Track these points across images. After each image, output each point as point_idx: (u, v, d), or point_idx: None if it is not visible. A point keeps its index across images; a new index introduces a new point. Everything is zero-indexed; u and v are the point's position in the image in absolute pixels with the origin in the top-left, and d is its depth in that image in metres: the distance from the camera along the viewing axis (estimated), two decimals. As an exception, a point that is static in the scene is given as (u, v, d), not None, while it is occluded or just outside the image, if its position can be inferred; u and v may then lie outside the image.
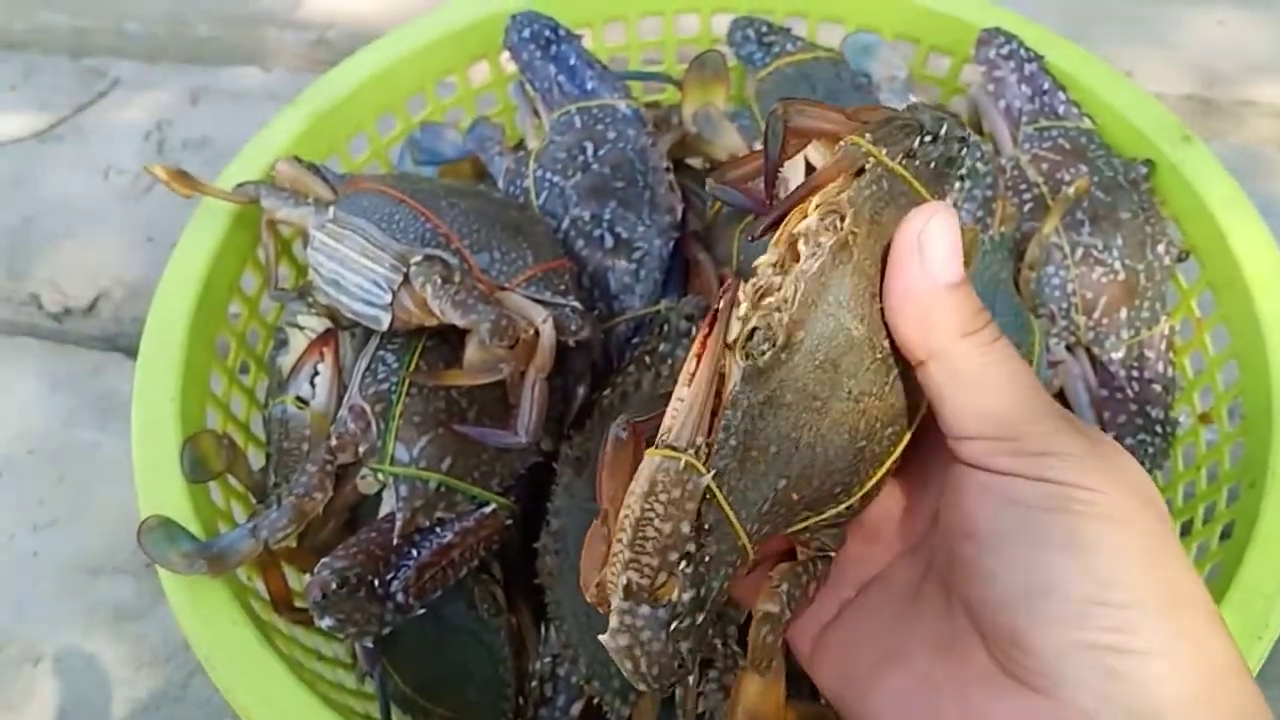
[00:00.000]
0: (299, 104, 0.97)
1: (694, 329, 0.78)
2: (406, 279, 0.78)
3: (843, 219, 0.47)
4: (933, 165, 0.50)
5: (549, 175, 0.90)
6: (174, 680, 1.04)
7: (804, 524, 0.53)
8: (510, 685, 0.78)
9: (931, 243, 0.45)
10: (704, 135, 0.91)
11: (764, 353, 0.47)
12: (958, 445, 0.46)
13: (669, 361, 0.78)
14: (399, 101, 1.03)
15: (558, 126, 0.94)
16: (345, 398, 0.81)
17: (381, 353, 0.81)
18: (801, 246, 0.48)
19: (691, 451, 0.47)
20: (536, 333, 0.77)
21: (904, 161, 0.49)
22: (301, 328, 0.86)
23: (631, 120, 0.92)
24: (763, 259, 0.49)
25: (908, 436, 0.52)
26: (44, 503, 1.17)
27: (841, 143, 0.49)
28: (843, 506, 0.52)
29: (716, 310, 0.49)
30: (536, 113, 0.99)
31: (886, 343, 0.49)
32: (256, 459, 0.87)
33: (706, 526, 0.48)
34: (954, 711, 0.46)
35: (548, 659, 0.77)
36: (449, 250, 0.79)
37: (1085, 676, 0.41)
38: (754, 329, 0.47)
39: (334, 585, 0.68)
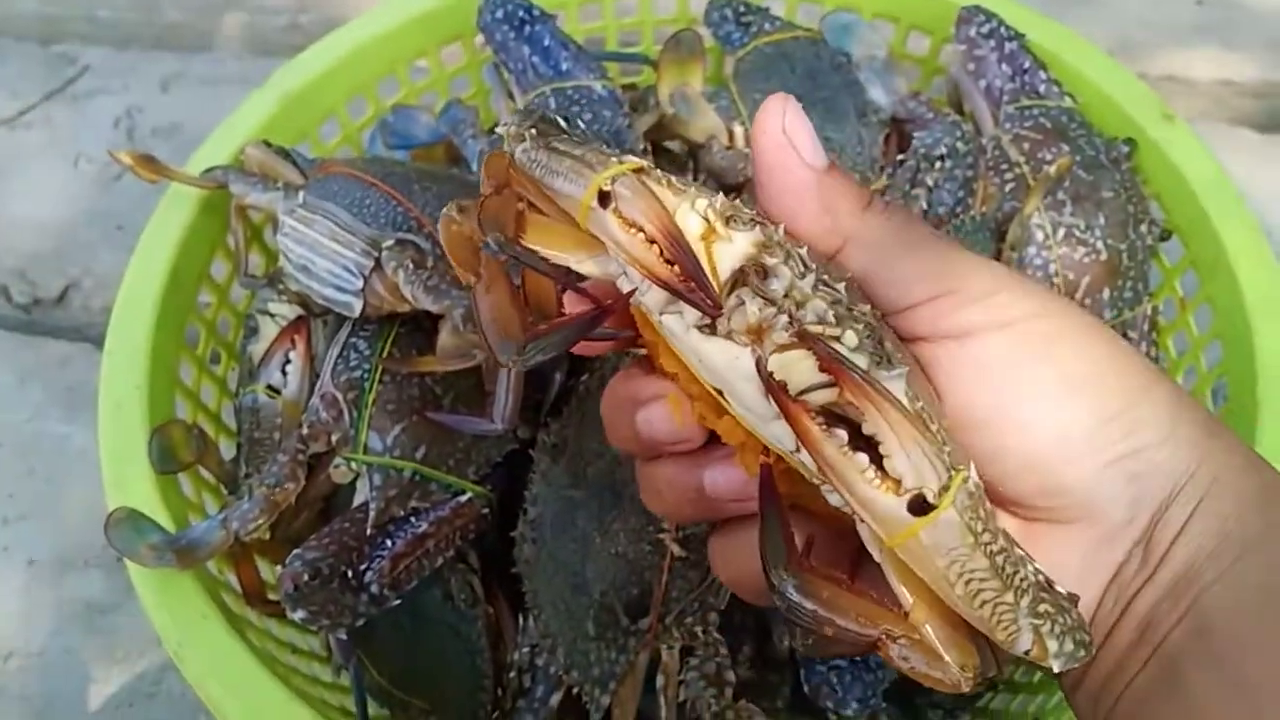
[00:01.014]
0: (269, 87, 0.95)
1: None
2: (378, 264, 0.76)
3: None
4: None
5: (525, 159, 0.88)
6: (147, 676, 1.02)
7: None
8: (488, 676, 0.77)
9: (798, 134, 0.44)
10: (681, 116, 0.89)
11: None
12: (906, 321, 0.43)
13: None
14: (370, 84, 1.01)
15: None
16: (317, 386, 0.79)
17: (354, 340, 0.80)
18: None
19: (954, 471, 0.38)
20: (512, 318, 0.75)
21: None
22: (272, 315, 0.85)
23: (607, 101, 0.91)
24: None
25: None
26: (13, 496, 1.15)
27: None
28: None
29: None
30: (511, 95, 0.98)
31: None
32: (228, 449, 0.85)
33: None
34: None
35: (526, 649, 0.75)
36: (421, 235, 0.78)
37: (1114, 493, 0.41)
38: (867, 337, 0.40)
39: (306, 577, 0.67)
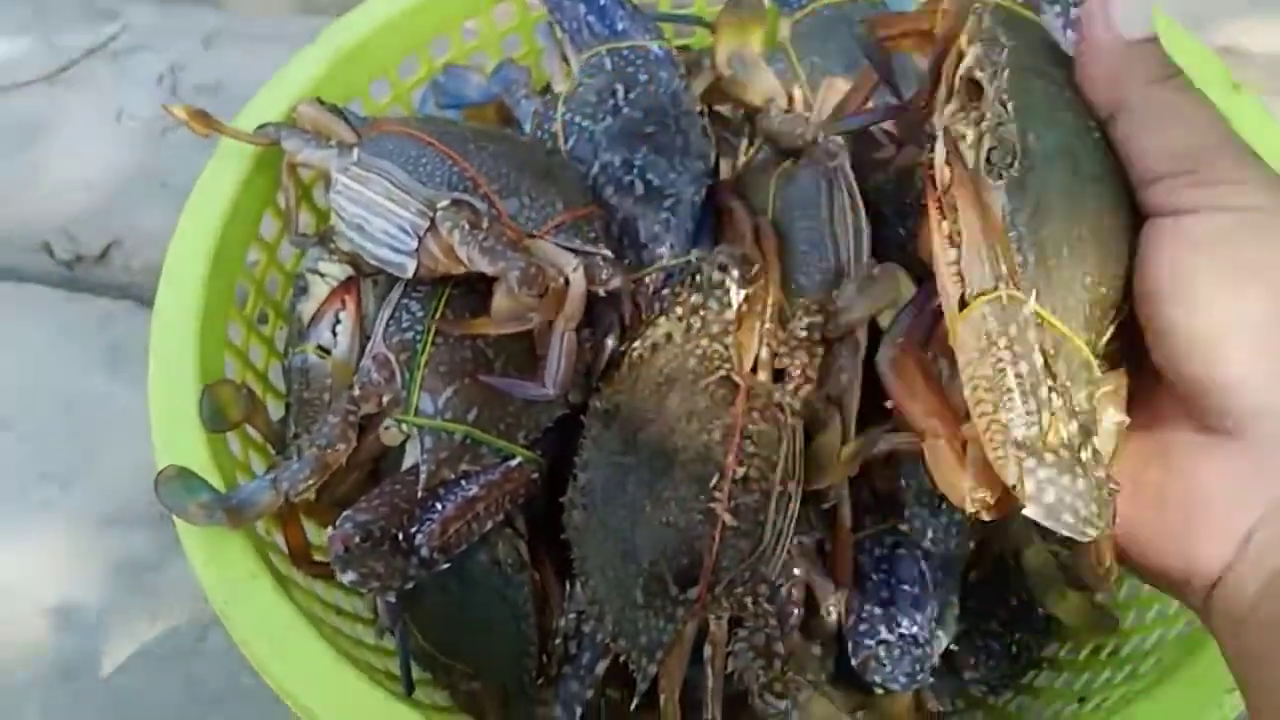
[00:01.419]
0: (319, 44, 0.94)
1: (727, 280, 0.76)
2: (433, 224, 0.75)
3: (999, 43, 0.50)
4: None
5: (578, 119, 0.87)
6: (190, 633, 1.03)
7: (1115, 322, 0.51)
8: (533, 642, 0.76)
9: (1111, 4, 0.48)
10: (739, 78, 0.87)
11: (1010, 164, 0.49)
12: (1144, 194, 0.47)
13: (701, 313, 0.76)
14: (422, 43, 1.00)
15: (587, 69, 0.90)
16: (368, 347, 0.79)
17: (406, 301, 0.79)
18: (979, 74, 0.50)
19: (1001, 286, 0.47)
20: (566, 281, 0.74)
21: None
22: (322, 275, 0.84)
23: (664, 62, 0.89)
24: (949, 108, 0.52)
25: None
26: (56, 454, 1.15)
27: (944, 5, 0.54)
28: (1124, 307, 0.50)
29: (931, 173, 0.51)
30: (564, 56, 0.96)
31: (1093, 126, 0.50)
32: (274, 411, 0.85)
33: (1052, 351, 0.48)
34: (1156, 475, 0.47)
35: (572, 615, 0.74)
36: (477, 195, 0.76)
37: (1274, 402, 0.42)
38: (991, 149, 0.49)
39: (357, 539, 0.66)
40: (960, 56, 0.51)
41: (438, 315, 0.78)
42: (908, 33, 0.57)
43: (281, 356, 0.89)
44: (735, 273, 0.76)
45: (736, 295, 0.75)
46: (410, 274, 0.76)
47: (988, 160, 0.49)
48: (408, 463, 0.75)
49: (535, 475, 0.76)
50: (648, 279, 0.83)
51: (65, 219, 1.37)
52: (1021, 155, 0.48)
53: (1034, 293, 0.46)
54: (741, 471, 0.69)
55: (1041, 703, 0.83)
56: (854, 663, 0.74)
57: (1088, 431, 0.48)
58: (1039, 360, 0.46)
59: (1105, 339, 0.51)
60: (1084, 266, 0.49)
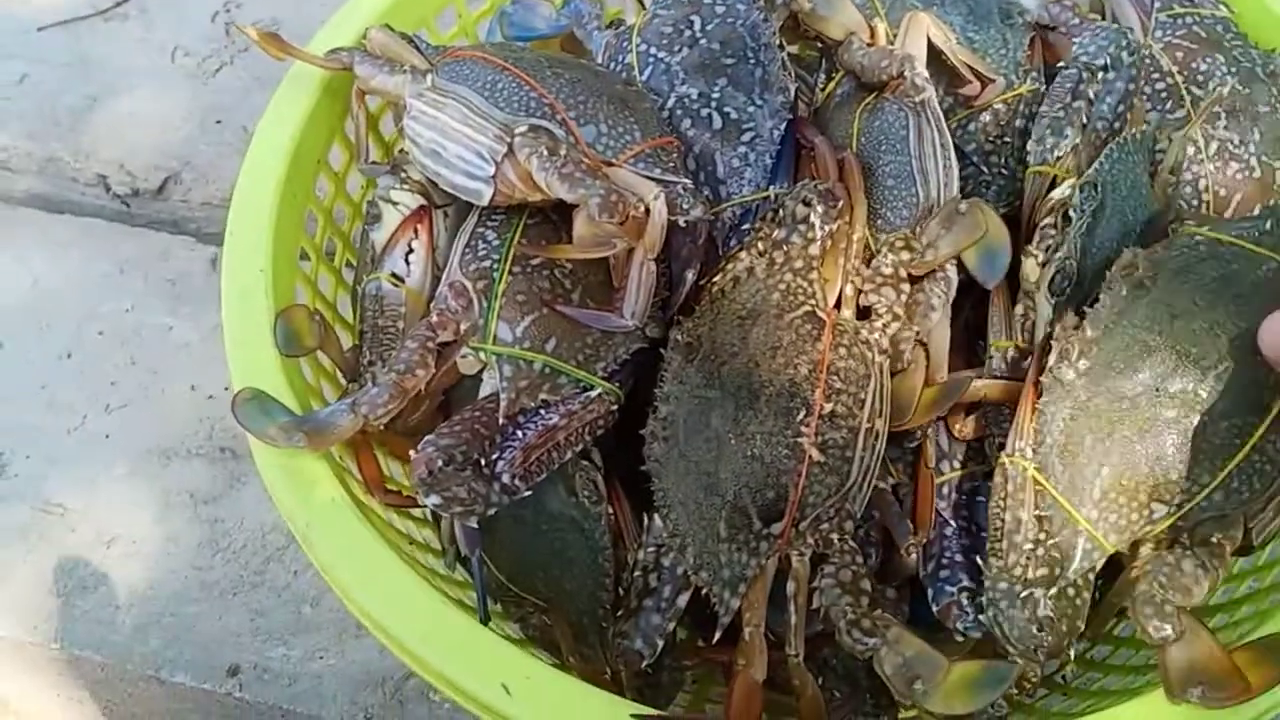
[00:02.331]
0: (388, -28, 0.92)
1: (811, 215, 0.74)
2: (511, 150, 0.74)
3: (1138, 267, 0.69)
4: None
5: (654, 50, 0.85)
6: (250, 566, 1.03)
7: (1169, 520, 0.65)
8: (609, 575, 0.75)
9: None
10: (819, 11, 0.85)
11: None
12: None
13: (784, 247, 0.74)
14: (491, -27, 0.98)
15: (662, 0, 0.89)
16: (444, 275, 0.78)
17: (481, 229, 0.78)
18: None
19: (1019, 454, 0.66)
20: (647, 210, 0.73)
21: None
22: (395, 203, 0.82)
23: (742, -7, 0.87)
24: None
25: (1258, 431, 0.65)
26: (115, 385, 1.16)
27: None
28: (1200, 498, 0.64)
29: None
30: (636, -13, 0.94)
31: (1193, 349, 0.65)
32: (344, 341, 0.84)
33: (1047, 514, 0.66)
34: None
35: (651, 549, 0.73)
36: (555, 121, 0.75)
37: None
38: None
39: (440, 462, 0.65)
40: None
41: (514, 244, 0.76)
42: None
43: (350, 287, 0.88)
44: (820, 207, 0.74)
45: (821, 230, 0.74)
46: (487, 200, 0.75)
47: (1054, 355, 0.68)
48: (484, 391, 0.74)
49: (615, 407, 0.75)
50: (726, 213, 0.81)
51: (121, 154, 1.36)
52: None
53: (1033, 465, 0.66)
54: (829, 407, 0.68)
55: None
56: (934, 609, 0.73)
57: (1050, 583, 0.65)
58: (1022, 515, 0.66)
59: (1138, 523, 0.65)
60: (1104, 458, 0.65)
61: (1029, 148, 0.80)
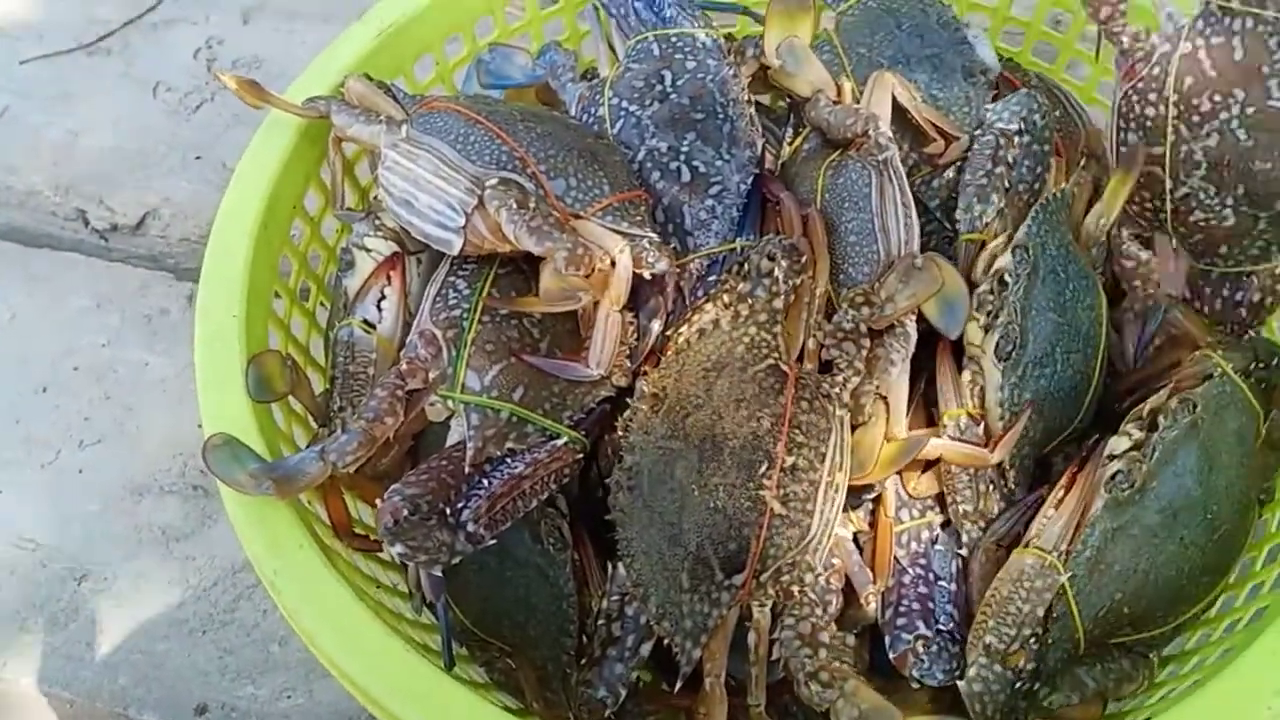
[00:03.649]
0: (367, 21, 0.94)
1: (775, 269, 0.76)
2: (481, 202, 0.75)
3: (1195, 407, 0.73)
4: (1262, 384, 0.77)
5: (625, 104, 0.87)
6: (220, 604, 1.03)
7: (1123, 638, 0.74)
8: (573, 621, 0.76)
9: None
10: (787, 68, 0.87)
11: (1124, 490, 0.72)
12: None
13: (749, 300, 0.76)
14: (468, 22, 1.00)
15: (634, 54, 0.90)
16: (415, 323, 0.79)
17: (452, 279, 0.79)
18: (1160, 419, 0.74)
19: (1055, 555, 0.71)
20: (613, 263, 0.74)
21: (1242, 377, 0.75)
22: (368, 250, 0.84)
23: (712, 50, 0.89)
24: (1129, 425, 0.76)
25: (1217, 589, 0.75)
26: (89, 420, 1.16)
27: (1197, 353, 0.78)
28: (1156, 631, 0.74)
29: (1089, 451, 0.78)
30: (610, 41, 0.96)
31: (1215, 508, 0.73)
32: (316, 384, 0.85)
33: (1055, 615, 0.71)
34: None
35: (615, 597, 0.75)
36: (525, 174, 0.77)
37: None
38: (1118, 472, 0.73)
39: (405, 512, 0.66)
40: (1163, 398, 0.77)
41: (484, 294, 0.78)
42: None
43: (323, 331, 0.89)
44: (784, 262, 0.76)
45: (785, 284, 0.75)
46: (457, 250, 0.77)
47: (1112, 477, 0.73)
48: (452, 439, 0.75)
49: (580, 455, 0.76)
50: (692, 265, 0.83)
51: (101, 189, 1.37)
52: (1136, 490, 0.72)
53: (1069, 575, 0.71)
54: (791, 460, 0.70)
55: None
56: (891, 656, 0.74)
57: (1037, 677, 0.71)
58: (1040, 612, 0.71)
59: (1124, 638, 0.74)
60: (1122, 586, 0.72)
61: (958, 216, 0.83)
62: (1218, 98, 0.77)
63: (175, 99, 1.46)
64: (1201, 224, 0.82)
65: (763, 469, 0.69)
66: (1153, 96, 0.80)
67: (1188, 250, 0.85)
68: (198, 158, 1.39)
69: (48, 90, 1.48)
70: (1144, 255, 0.84)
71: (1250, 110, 0.77)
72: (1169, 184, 0.82)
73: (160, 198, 1.36)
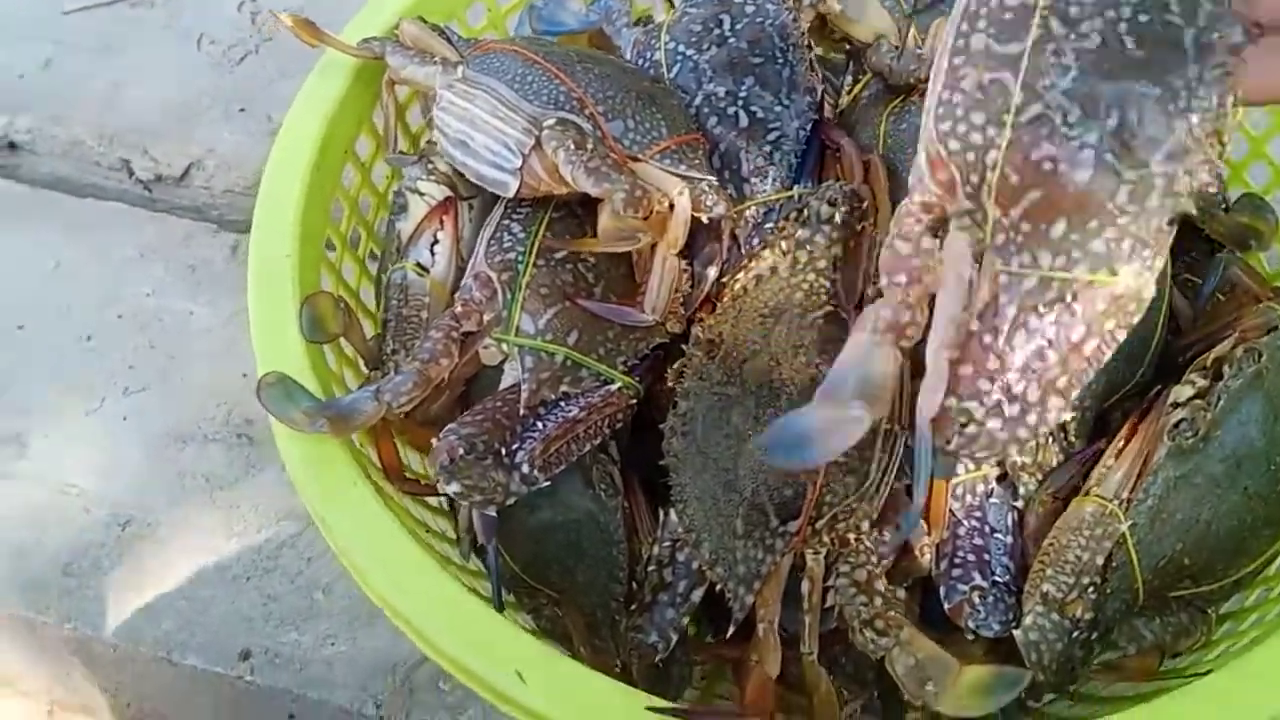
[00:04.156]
0: (419, -35, 0.93)
1: (836, 215, 0.74)
2: (538, 142, 0.74)
3: (1260, 356, 0.71)
4: None
5: (682, 48, 0.86)
6: (264, 551, 1.03)
7: (1181, 592, 0.72)
8: (623, 568, 0.75)
9: None
10: (848, 14, 0.85)
11: (1188, 438, 0.70)
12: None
13: (808, 247, 0.74)
14: (522, -34, 0.99)
15: (691, -1, 0.89)
16: (469, 266, 0.78)
17: (507, 221, 0.78)
18: (1225, 369, 0.72)
19: (1116, 503, 0.70)
20: (671, 206, 0.73)
21: None
22: (421, 194, 0.83)
23: (770, -6, 0.87)
24: (1193, 374, 0.74)
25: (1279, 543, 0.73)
26: (134, 369, 1.16)
27: (1262, 305, 0.76)
28: (1215, 584, 0.72)
29: (1151, 402, 0.75)
30: (665, -15, 0.95)
31: (1278, 459, 0.70)
32: (366, 330, 0.84)
33: (1114, 565, 0.70)
34: None
35: (666, 543, 0.74)
36: (583, 115, 0.76)
37: None
38: (1182, 420, 0.71)
39: (461, 450, 0.66)
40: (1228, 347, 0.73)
41: (539, 237, 0.77)
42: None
43: (375, 276, 0.88)
44: (845, 208, 0.74)
45: (845, 231, 0.74)
46: (512, 193, 0.76)
47: (1175, 425, 0.71)
48: (506, 382, 0.75)
49: (634, 401, 0.75)
50: (748, 212, 0.82)
51: (144, 140, 1.37)
52: (1200, 438, 0.69)
53: (1129, 523, 0.69)
54: (850, 407, 0.68)
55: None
56: (946, 607, 0.73)
57: (1094, 627, 0.70)
58: (1099, 561, 0.69)
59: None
60: (1183, 536, 0.70)
61: None
62: None
63: (219, 51, 1.45)
64: None
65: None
66: None
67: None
68: (241, 110, 1.39)
69: (91, 42, 1.48)
70: None
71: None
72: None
73: (204, 149, 1.35)
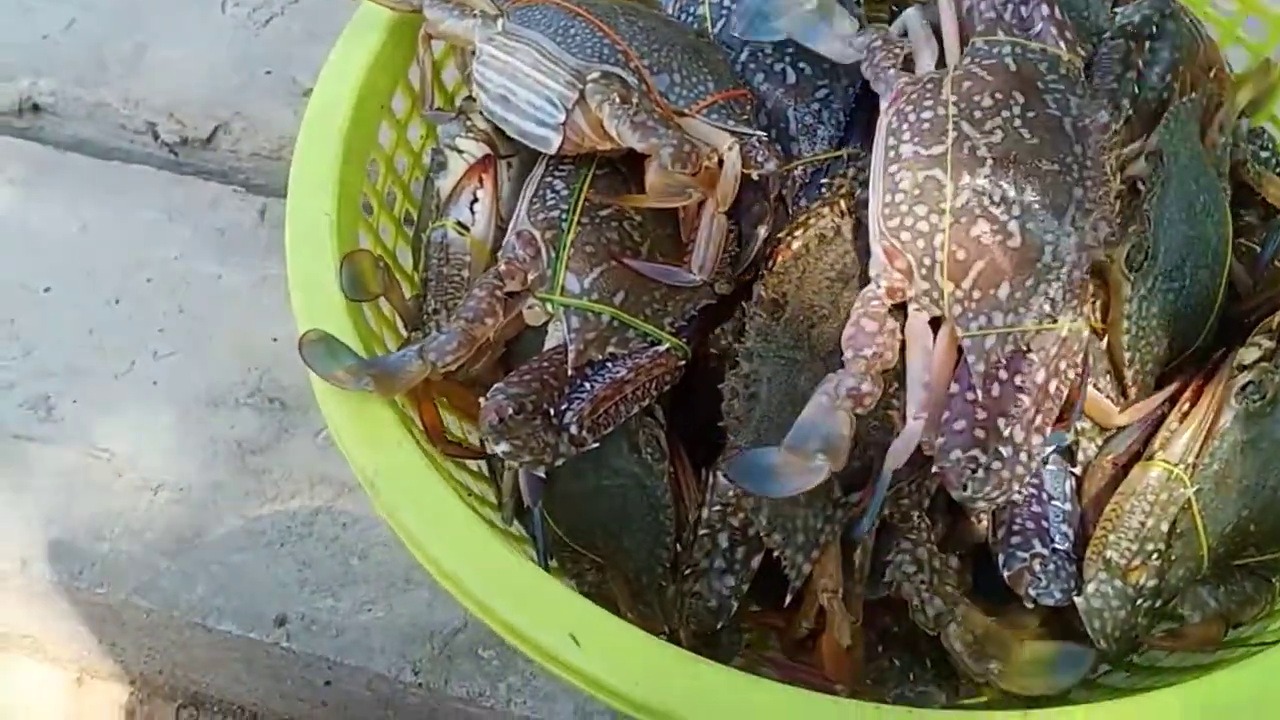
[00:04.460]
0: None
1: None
2: (582, 96, 0.72)
3: None
4: None
5: (727, 2, 0.84)
6: (299, 516, 1.02)
7: (1246, 559, 0.71)
8: (669, 534, 0.74)
9: None
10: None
11: (1256, 402, 0.68)
12: None
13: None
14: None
15: (734, -49, 0.87)
16: (511, 224, 0.76)
17: (549, 179, 0.76)
18: None
19: (1182, 467, 0.67)
20: (720, 161, 0.71)
21: None
22: (460, 151, 0.81)
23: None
24: (1259, 335, 0.71)
25: None
26: (164, 332, 1.15)
27: None
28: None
29: (1215, 365, 0.71)
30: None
31: None
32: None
33: (1179, 531, 0.68)
34: None
35: (717, 507, 0.72)
36: (627, 69, 0.74)
37: None
38: (1249, 383, 0.68)
39: (510, 410, 0.64)
40: None
41: (583, 194, 0.75)
42: None
43: (412, 236, 0.87)
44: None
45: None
46: (555, 148, 0.74)
47: (1242, 388, 0.69)
48: (551, 343, 0.73)
49: (682, 362, 0.74)
50: (797, 171, 0.80)
51: (170, 102, 1.35)
52: (1268, 402, 0.68)
53: (1195, 488, 0.68)
54: (922, 380, 0.67)
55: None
56: (1005, 574, 0.72)
57: (1158, 594, 0.69)
58: (1164, 527, 0.67)
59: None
60: (1250, 502, 0.69)
61: None
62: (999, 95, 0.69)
63: (244, 14, 1.43)
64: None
65: (893, 387, 0.66)
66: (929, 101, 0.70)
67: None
68: (267, 72, 1.36)
69: (114, 3, 1.46)
70: None
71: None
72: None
73: (230, 112, 1.33)
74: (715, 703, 0.58)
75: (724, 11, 0.83)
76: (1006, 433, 0.64)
